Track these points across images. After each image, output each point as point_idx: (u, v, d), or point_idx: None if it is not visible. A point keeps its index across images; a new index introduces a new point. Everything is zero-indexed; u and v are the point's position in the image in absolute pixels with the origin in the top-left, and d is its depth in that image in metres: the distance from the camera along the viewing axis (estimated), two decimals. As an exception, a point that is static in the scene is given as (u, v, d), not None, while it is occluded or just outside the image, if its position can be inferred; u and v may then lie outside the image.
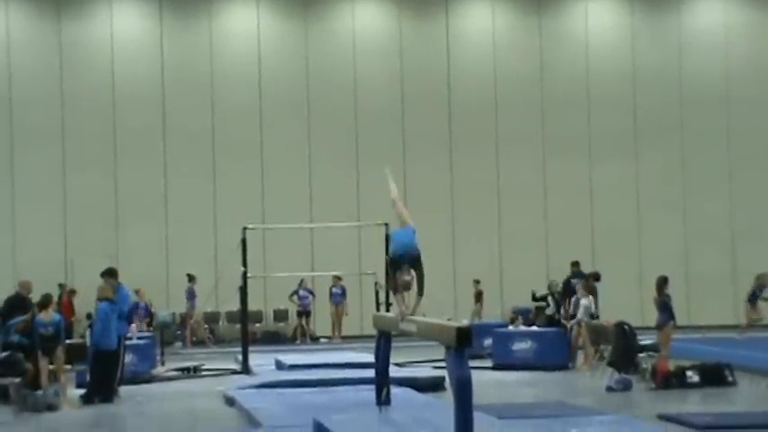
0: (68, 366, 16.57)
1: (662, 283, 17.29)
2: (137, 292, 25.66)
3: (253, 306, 25.15)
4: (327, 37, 30.52)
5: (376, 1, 30.82)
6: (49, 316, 16.11)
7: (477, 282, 28.61)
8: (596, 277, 20.58)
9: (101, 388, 15.90)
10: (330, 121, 30.09)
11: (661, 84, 30.87)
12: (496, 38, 30.83)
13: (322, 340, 28.66)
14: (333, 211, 28.33)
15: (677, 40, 31.12)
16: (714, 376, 16.76)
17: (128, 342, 17.69)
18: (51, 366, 16.04)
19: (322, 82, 30.24)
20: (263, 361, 21.10)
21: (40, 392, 15.30)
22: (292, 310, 29.20)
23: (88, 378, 16.28)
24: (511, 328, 21.80)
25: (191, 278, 27.71)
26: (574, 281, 21.32)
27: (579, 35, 31.04)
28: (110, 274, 16.75)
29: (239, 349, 21.17)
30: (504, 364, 20.19)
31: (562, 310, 21.15)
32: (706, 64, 31.08)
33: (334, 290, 28.53)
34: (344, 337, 28.17)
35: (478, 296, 28.60)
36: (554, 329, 20.80)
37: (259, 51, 30.31)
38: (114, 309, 16.03)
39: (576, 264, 22.62)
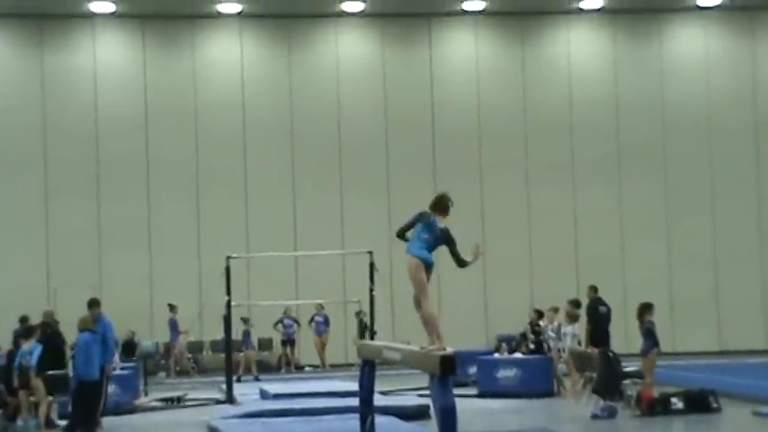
0: (50, 398, 16.43)
1: (643, 310, 17.28)
2: (245, 321, 25.56)
3: (237, 335, 25.08)
4: (311, 65, 30.56)
5: (359, 28, 30.90)
6: (30, 345, 16.01)
7: (359, 313, 27.64)
8: (577, 304, 20.49)
9: (83, 419, 15.77)
10: (314, 149, 30.09)
11: (643, 111, 30.97)
12: (480, 65, 30.92)
13: (307, 369, 28.54)
14: (317, 239, 28.30)
15: (659, 67, 31.25)
16: (699, 403, 16.76)
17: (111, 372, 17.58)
18: (32, 398, 15.92)
19: (306, 109, 30.25)
20: (247, 390, 21.02)
21: (19, 424, 15.18)
22: (277, 338, 29.08)
23: (70, 409, 16.15)
24: (496, 355, 21.75)
25: (172, 308, 27.55)
26: (602, 308, 20.15)
27: (562, 63, 31.15)
28: (94, 304, 16.70)
29: (223, 379, 21.06)
30: (489, 391, 20.14)
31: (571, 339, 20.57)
32: (688, 91, 31.21)
33: (316, 318, 28.44)
34: (331, 366, 28.06)
35: (363, 329, 27.53)
36: (539, 357, 20.76)
37: (242, 79, 30.33)
38: (96, 339, 15.93)
39: (594, 288, 21.13)
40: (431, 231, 10.16)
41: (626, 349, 21.59)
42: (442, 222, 10.28)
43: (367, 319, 25.95)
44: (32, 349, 16.12)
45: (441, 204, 10.36)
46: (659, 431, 14.88)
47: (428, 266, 10.05)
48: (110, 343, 16.64)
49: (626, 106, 30.97)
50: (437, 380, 9.01)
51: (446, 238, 10.25)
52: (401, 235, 10.33)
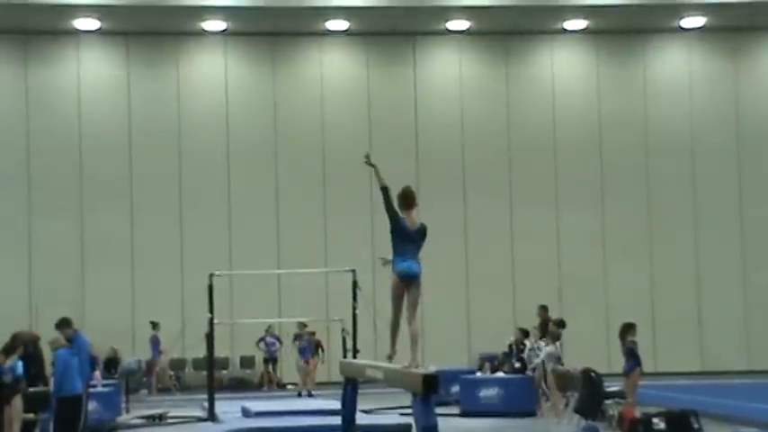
0: (31, 415, 16.32)
1: (625, 329, 17.30)
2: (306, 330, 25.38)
3: (219, 353, 25.05)
4: (295, 83, 30.61)
5: (344, 47, 30.96)
6: (11, 362, 15.89)
7: (313, 333, 26.35)
8: (560, 324, 20.55)
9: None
10: (298, 167, 30.11)
11: (626, 130, 31.10)
12: (464, 84, 31.01)
13: (289, 387, 28.47)
14: (300, 256, 28.28)
15: (642, 87, 31.41)
16: (680, 423, 16.76)
17: (93, 390, 17.49)
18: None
19: (290, 128, 30.28)
20: (229, 408, 20.97)
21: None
22: (259, 356, 29.01)
23: (51, 428, 16.04)
24: (479, 374, 21.74)
25: (154, 325, 27.50)
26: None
27: (546, 82, 31.27)
28: (64, 324, 16.43)
29: (205, 396, 21.00)
30: (472, 410, 20.14)
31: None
32: (670, 111, 31.36)
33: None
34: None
35: (317, 348, 26.44)
36: (521, 376, 20.77)
37: (226, 97, 30.34)
38: (74, 354, 15.79)
39: (544, 308, 22.17)
40: (405, 236, 10.20)
41: (608, 369, 21.63)
42: (411, 218, 10.32)
43: (310, 338, 26.02)
44: (14, 366, 15.99)
45: (406, 198, 10.48)
46: (641, 451, 14.89)
47: (412, 277, 10.06)
48: (83, 362, 16.45)
49: (609, 126, 31.09)
50: (419, 399, 9.02)
51: (422, 233, 10.31)
52: (384, 189, 10.46)
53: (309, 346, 27.70)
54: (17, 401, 15.81)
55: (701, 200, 30.97)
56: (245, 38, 30.53)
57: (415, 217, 10.29)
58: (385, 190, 10.29)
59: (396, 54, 30.98)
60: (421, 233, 10.24)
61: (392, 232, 10.21)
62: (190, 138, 29.97)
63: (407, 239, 10.16)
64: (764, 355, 29.92)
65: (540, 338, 20.84)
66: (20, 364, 16.05)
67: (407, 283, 10.07)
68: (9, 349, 16.09)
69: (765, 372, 28.64)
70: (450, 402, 21.11)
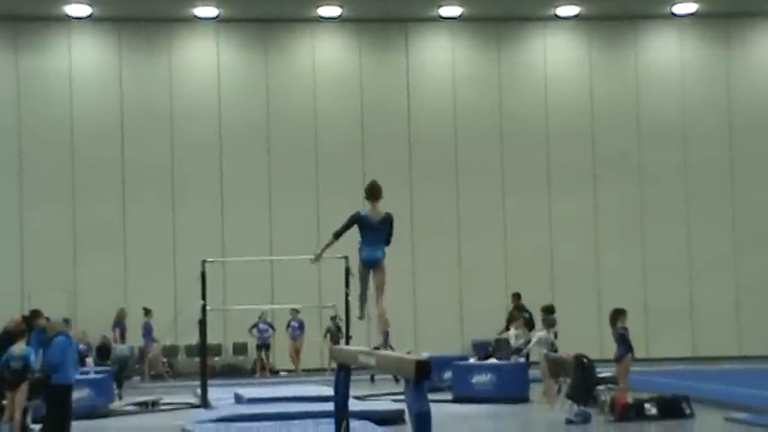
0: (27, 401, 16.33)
1: (614, 316, 17.35)
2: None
3: (212, 339, 25.03)
4: (287, 70, 30.56)
5: (336, 34, 30.90)
6: (21, 349, 15.87)
7: (334, 317, 26.46)
8: (550, 310, 20.61)
9: (57, 424, 15.64)
10: (290, 154, 30.07)
11: (619, 117, 31.10)
12: (456, 71, 30.98)
13: (282, 373, 28.51)
14: (293, 243, 28.26)
15: (634, 74, 31.40)
16: (672, 409, 16.87)
17: (86, 377, 17.47)
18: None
19: (282, 114, 30.24)
20: (222, 395, 21.00)
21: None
22: (252, 343, 29.03)
23: (44, 413, 16.03)
24: (472, 360, 21.80)
25: (146, 312, 27.48)
26: (524, 314, 22.01)
27: (538, 69, 31.25)
28: (35, 316, 16.37)
29: (198, 383, 21.03)
30: (464, 396, 20.18)
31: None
32: (662, 98, 31.36)
33: (292, 323, 28.39)
34: (305, 371, 28.02)
35: (337, 333, 26.06)
36: (513, 362, 20.83)
37: (219, 83, 30.29)
38: (70, 343, 15.78)
39: (517, 295, 23.57)
40: (366, 227, 11.03)
41: (600, 355, 21.70)
42: (376, 209, 11.09)
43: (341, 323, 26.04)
44: (28, 353, 15.95)
45: (372, 190, 11.20)
46: (633, 436, 14.96)
47: (373, 263, 11.02)
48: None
49: (601, 113, 31.10)
50: (412, 385, 9.03)
51: (386, 222, 11.08)
52: (336, 236, 11.24)
53: (298, 327, 27.82)
54: (23, 389, 15.80)
55: (693, 186, 31.00)
56: (237, 24, 30.46)
57: (380, 207, 11.09)
58: (335, 236, 11.23)
59: (388, 40, 30.94)
60: (384, 222, 11.05)
61: (358, 227, 11.11)
62: (182, 124, 29.92)
63: (371, 229, 11.02)
64: (755, 340, 30.02)
65: (508, 327, 21.38)
66: (32, 353, 16.04)
67: (371, 267, 11.07)
68: (19, 335, 16.02)
69: (756, 357, 28.76)
70: (442, 388, 21.17)
